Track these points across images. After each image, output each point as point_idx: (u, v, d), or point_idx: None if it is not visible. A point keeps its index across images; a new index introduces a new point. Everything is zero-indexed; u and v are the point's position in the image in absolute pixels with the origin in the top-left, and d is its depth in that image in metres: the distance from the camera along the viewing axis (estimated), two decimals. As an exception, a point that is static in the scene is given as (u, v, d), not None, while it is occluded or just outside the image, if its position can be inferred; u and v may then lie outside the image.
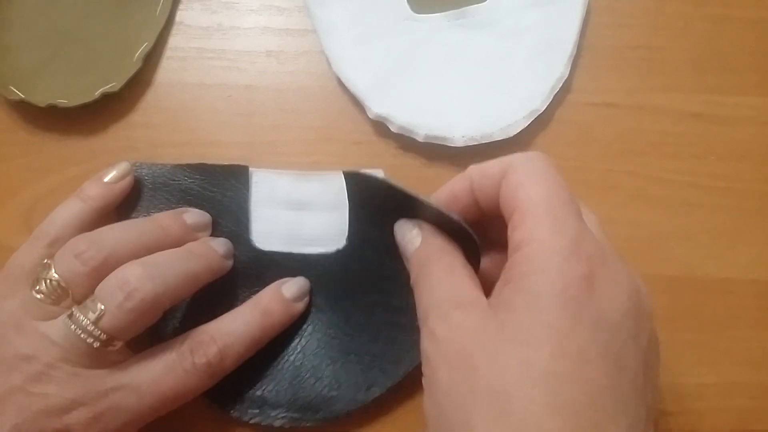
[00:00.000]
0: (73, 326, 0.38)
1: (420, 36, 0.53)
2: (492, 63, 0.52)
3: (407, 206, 0.39)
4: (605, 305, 0.31)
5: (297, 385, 0.45)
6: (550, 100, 0.51)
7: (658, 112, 0.52)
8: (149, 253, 0.41)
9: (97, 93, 0.50)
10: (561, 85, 0.52)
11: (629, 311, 0.32)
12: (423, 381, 0.35)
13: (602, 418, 0.30)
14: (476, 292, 0.35)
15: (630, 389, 0.31)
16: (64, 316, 0.39)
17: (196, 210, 0.47)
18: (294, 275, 0.47)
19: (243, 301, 0.45)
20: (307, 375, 0.45)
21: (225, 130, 0.51)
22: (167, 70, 0.53)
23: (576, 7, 0.53)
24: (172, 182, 0.47)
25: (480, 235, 0.38)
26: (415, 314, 0.37)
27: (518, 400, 0.30)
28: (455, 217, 0.36)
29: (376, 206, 0.44)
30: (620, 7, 0.55)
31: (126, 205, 0.47)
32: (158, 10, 0.53)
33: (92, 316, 0.38)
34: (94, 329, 0.38)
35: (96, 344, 0.38)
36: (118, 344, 0.39)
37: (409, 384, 0.45)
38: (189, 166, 0.48)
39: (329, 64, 0.52)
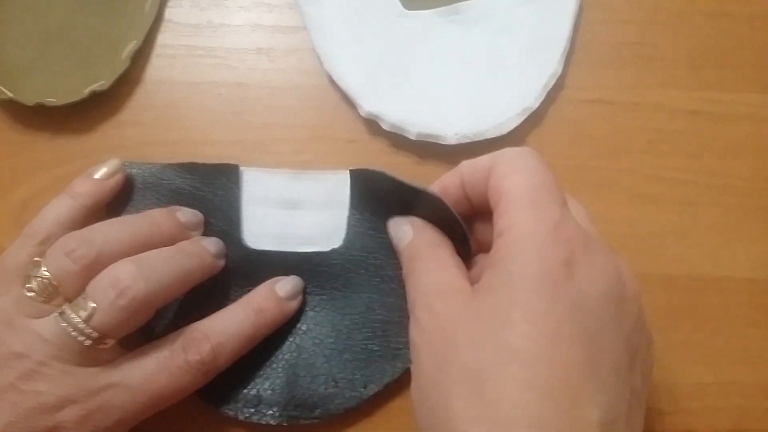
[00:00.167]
0: (64, 324, 0.38)
1: (412, 33, 0.52)
2: (485, 60, 0.51)
3: (408, 200, 0.41)
4: (584, 288, 0.32)
5: (293, 383, 0.45)
6: (544, 97, 0.51)
7: (653, 110, 0.52)
8: (141, 250, 0.41)
9: (86, 91, 0.49)
10: (554, 82, 0.51)
11: (609, 295, 0.33)
12: (411, 369, 0.36)
13: (578, 397, 0.30)
14: (461, 281, 0.36)
15: (609, 370, 0.32)
16: (55, 314, 0.38)
17: (189, 209, 0.46)
18: (287, 274, 0.46)
19: (235, 300, 0.45)
20: (303, 373, 0.45)
21: (215, 129, 0.51)
22: (156, 68, 0.52)
23: (569, 3, 0.52)
24: (162, 182, 0.47)
25: (471, 230, 0.40)
26: None
27: (493, 379, 0.31)
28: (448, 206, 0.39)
29: (376, 204, 0.45)
30: (615, 3, 0.54)
31: (116, 204, 0.46)
32: (147, 7, 0.52)
33: (83, 314, 0.37)
34: (85, 327, 0.37)
35: (87, 342, 0.38)
36: (110, 342, 0.39)
37: (405, 382, 0.44)
38: (179, 165, 0.47)
39: (321, 62, 0.52)
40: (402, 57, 0.52)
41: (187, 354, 0.40)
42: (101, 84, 0.50)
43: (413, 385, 0.36)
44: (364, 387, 0.44)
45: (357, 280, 0.46)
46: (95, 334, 0.38)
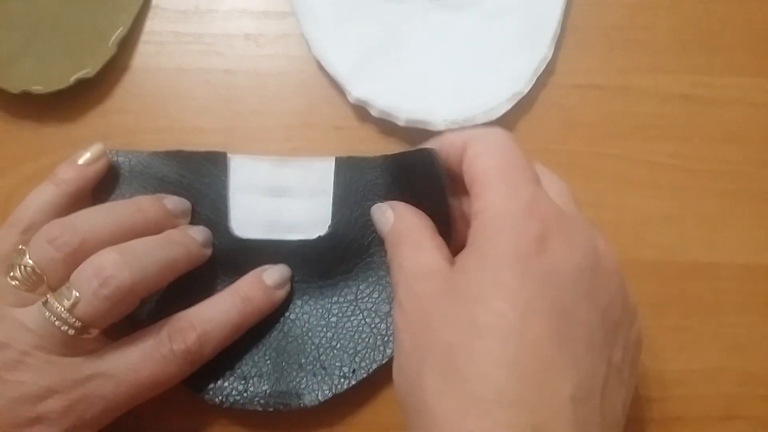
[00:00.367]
0: (47, 313, 0.37)
1: (402, 17, 0.52)
2: (474, 44, 0.51)
3: (396, 177, 0.44)
4: (557, 263, 0.32)
5: (280, 370, 0.45)
6: (534, 82, 0.50)
7: (643, 94, 0.51)
8: (127, 237, 0.41)
9: (72, 79, 0.49)
10: (545, 66, 0.51)
11: (583, 270, 0.33)
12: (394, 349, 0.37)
13: (548, 371, 0.30)
14: (439, 261, 0.37)
15: (583, 345, 0.32)
16: (39, 303, 0.38)
17: (175, 197, 0.46)
18: (274, 262, 0.46)
19: (222, 289, 0.45)
20: (291, 360, 0.45)
21: (203, 116, 0.50)
22: (144, 55, 0.52)
23: (559, -12, 0.52)
24: (149, 170, 0.47)
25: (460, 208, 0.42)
26: None
27: (464, 355, 0.31)
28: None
29: (362, 192, 0.45)
30: (605, -14, 0.54)
31: (101, 193, 0.46)
32: (134, -7, 0.52)
33: (67, 303, 0.37)
34: (69, 317, 0.37)
35: (71, 332, 0.38)
36: (94, 332, 0.39)
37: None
38: (166, 153, 0.47)
39: (309, 47, 0.51)
40: (391, 42, 0.51)
41: (173, 343, 0.40)
42: (88, 71, 0.49)
43: (394, 364, 0.37)
44: (353, 373, 0.44)
45: (344, 267, 0.46)
46: (79, 324, 0.38)
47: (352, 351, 0.45)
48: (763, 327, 0.47)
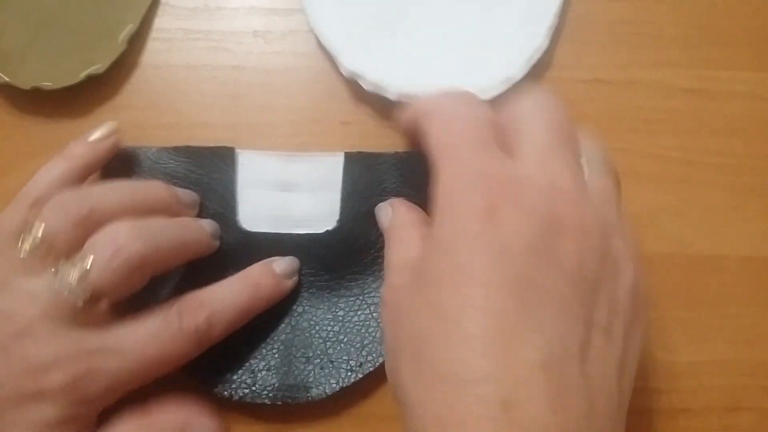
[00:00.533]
0: (57, 283, 0.37)
1: None
2: (472, 28, 0.51)
3: (403, 172, 0.45)
4: (510, 232, 0.31)
5: (288, 363, 0.45)
6: (528, 69, 0.50)
7: (649, 88, 0.52)
8: (138, 213, 0.41)
9: (82, 75, 0.49)
10: (540, 56, 0.51)
11: (540, 235, 0.32)
12: None
13: (512, 342, 0.30)
14: (418, 253, 0.36)
15: (550, 310, 0.31)
16: (49, 272, 0.38)
17: (185, 189, 0.46)
18: (282, 255, 0.46)
19: None
20: (299, 354, 0.45)
21: (211, 112, 0.51)
22: (153, 52, 0.52)
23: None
24: (157, 165, 0.47)
25: None
26: None
27: (431, 338, 0.31)
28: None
29: (370, 187, 0.46)
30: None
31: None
32: (143, -10, 0.52)
33: (77, 272, 0.37)
34: (78, 286, 0.37)
35: (80, 303, 0.37)
36: (103, 305, 0.39)
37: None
38: (174, 148, 0.47)
39: (307, 20, 0.52)
40: (389, 18, 0.52)
41: (182, 321, 0.40)
42: (97, 67, 0.50)
43: (385, 360, 0.37)
44: (360, 366, 0.45)
45: (351, 261, 0.46)
46: (88, 294, 0.37)
47: (359, 345, 0.45)
48: (769, 318, 0.47)
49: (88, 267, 0.37)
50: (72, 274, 0.37)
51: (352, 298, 0.46)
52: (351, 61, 0.50)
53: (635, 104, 0.51)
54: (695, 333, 0.47)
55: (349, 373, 0.45)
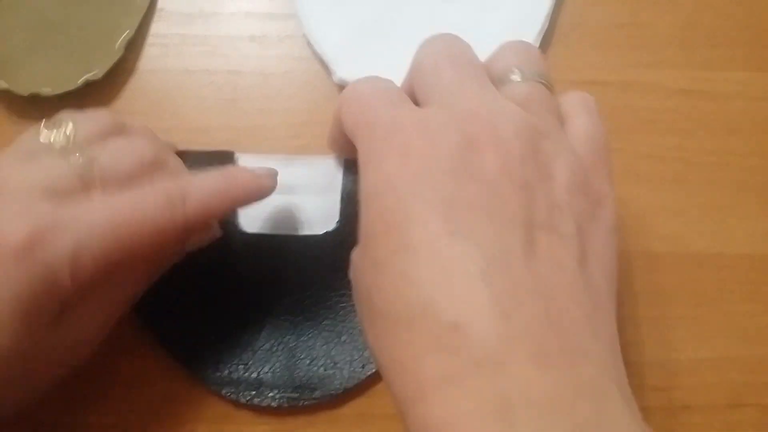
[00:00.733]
0: (64, 161, 0.37)
1: (394, 2, 0.53)
2: (463, 34, 0.51)
3: None
4: (425, 164, 0.32)
5: (292, 366, 0.45)
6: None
7: (646, 89, 0.52)
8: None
9: (80, 81, 0.49)
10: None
11: (456, 158, 0.32)
12: None
13: (450, 262, 0.29)
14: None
15: (480, 221, 0.30)
16: (65, 152, 0.38)
17: None
18: (283, 256, 0.46)
19: (233, 285, 0.46)
20: (302, 355, 0.45)
21: (209, 116, 0.51)
22: (150, 57, 0.52)
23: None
24: (157, 169, 0.47)
25: None
26: None
27: (375, 292, 0.31)
28: None
29: None
30: (606, -17, 0.55)
31: None
32: (140, -4, 0.52)
33: (87, 156, 0.38)
34: (85, 166, 0.37)
35: (78, 184, 0.37)
36: (95, 194, 0.37)
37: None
38: (174, 152, 0.47)
39: (301, 25, 0.52)
40: (380, 26, 0.52)
41: (154, 183, 0.39)
42: (95, 73, 0.50)
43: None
44: (362, 367, 0.45)
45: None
46: (92, 174, 0.37)
47: (361, 345, 0.45)
48: (770, 315, 0.47)
49: (94, 157, 0.38)
50: (84, 155, 0.38)
51: (351, 299, 0.46)
52: (343, 69, 0.50)
53: (632, 105, 0.51)
54: (696, 330, 0.47)
55: (352, 374, 0.45)
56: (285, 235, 0.47)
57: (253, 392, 0.44)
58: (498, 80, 0.37)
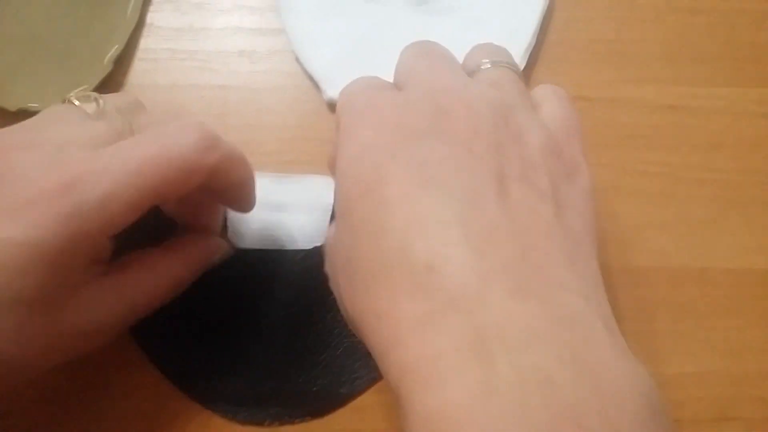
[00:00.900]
0: (104, 122, 0.38)
1: (381, 19, 0.53)
2: (451, 50, 0.52)
3: None
4: (398, 135, 0.32)
5: (282, 381, 0.45)
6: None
7: (631, 105, 0.52)
8: None
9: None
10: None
11: (429, 126, 0.32)
12: None
13: (421, 215, 0.29)
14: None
15: (449, 171, 0.30)
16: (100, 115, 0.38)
17: None
18: (272, 271, 0.47)
19: (222, 300, 0.46)
20: (291, 371, 0.45)
21: (199, 131, 0.51)
22: (139, 72, 0.52)
23: (537, 1, 0.54)
24: (146, 184, 0.47)
25: None
26: None
27: (356, 256, 0.31)
28: None
29: None
30: (591, 1, 0.55)
31: None
32: (129, 11, 0.52)
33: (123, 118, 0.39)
34: (124, 122, 0.39)
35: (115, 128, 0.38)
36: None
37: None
38: (163, 168, 0.47)
39: (290, 42, 0.53)
40: (370, 43, 0.53)
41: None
42: (84, 88, 0.49)
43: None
44: (353, 382, 0.45)
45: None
46: (130, 128, 0.39)
47: (356, 356, 0.45)
48: (754, 329, 0.47)
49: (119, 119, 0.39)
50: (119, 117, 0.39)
51: (340, 313, 0.46)
52: (333, 87, 0.51)
53: (618, 121, 0.52)
54: (682, 345, 0.47)
55: (343, 389, 0.45)
56: (274, 250, 0.47)
57: (242, 407, 0.44)
58: (470, 72, 0.38)
